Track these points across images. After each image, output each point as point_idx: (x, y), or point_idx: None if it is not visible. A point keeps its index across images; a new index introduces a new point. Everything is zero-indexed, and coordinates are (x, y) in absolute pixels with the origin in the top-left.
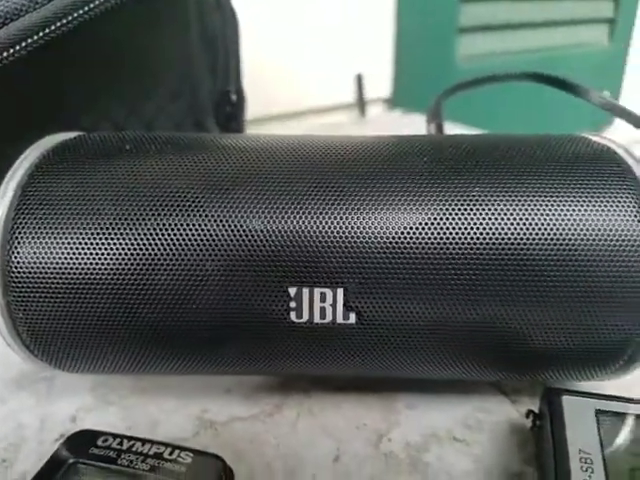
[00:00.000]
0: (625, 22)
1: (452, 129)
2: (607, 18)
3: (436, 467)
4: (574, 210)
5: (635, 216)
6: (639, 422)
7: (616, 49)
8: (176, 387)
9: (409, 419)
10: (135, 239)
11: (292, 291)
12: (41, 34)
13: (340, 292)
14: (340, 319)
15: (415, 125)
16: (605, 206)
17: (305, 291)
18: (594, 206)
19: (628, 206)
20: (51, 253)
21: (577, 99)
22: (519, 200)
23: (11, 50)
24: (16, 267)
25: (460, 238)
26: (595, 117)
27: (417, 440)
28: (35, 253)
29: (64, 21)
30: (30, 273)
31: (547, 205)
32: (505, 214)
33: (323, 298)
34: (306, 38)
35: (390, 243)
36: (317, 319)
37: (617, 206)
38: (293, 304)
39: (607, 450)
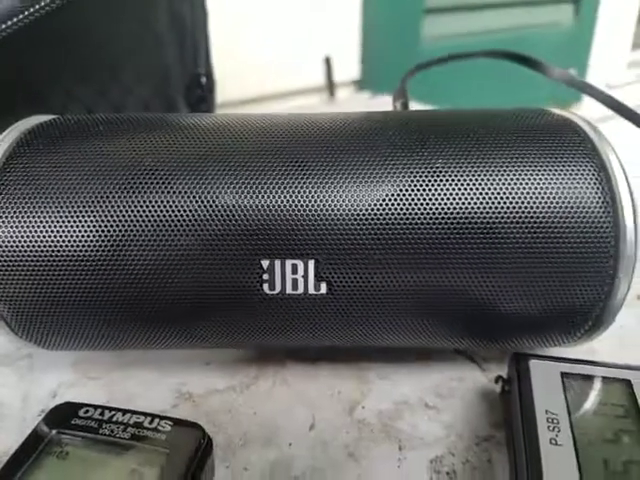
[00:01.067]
0: (590, 1)
1: (418, 108)
2: None
3: (409, 433)
4: (535, 178)
5: (594, 184)
6: (605, 384)
7: (582, 28)
8: (155, 361)
9: (382, 388)
10: (111, 216)
11: (265, 264)
12: (9, 22)
13: (311, 264)
14: (312, 290)
15: (383, 106)
16: (565, 174)
17: (277, 263)
18: (555, 174)
19: (587, 174)
20: (29, 232)
21: (543, 79)
22: (481, 170)
23: None
24: None
25: (425, 209)
26: (562, 96)
27: (390, 408)
28: (13, 232)
29: (32, 10)
30: (9, 252)
31: (509, 174)
32: (468, 184)
33: (295, 270)
34: (275, 23)
35: (358, 216)
36: (289, 290)
37: (577, 174)
38: (266, 276)
39: (573, 410)
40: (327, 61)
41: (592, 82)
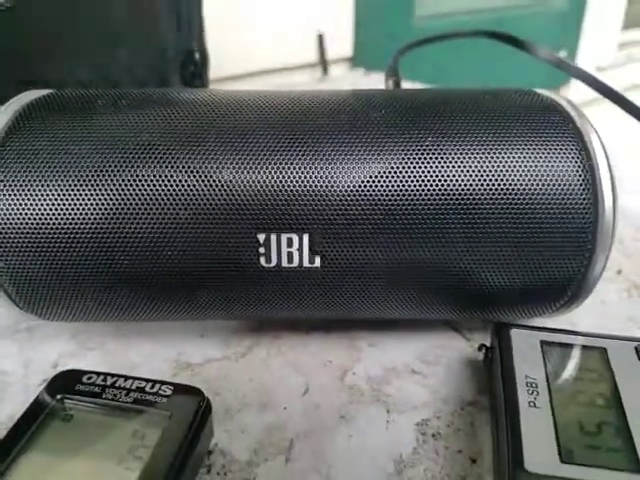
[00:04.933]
0: None
1: (410, 86)
2: None
3: (396, 397)
4: (518, 156)
5: (575, 162)
6: (583, 351)
7: (572, 8)
8: (153, 333)
9: (371, 355)
10: (111, 190)
11: (261, 237)
12: None
13: (306, 237)
14: (306, 263)
15: (376, 83)
16: (548, 152)
17: (273, 237)
18: (537, 152)
19: (569, 153)
20: (30, 205)
21: (533, 60)
22: (468, 148)
23: None
24: None
25: (415, 186)
26: (551, 77)
27: (379, 374)
28: (14, 205)
29: None
30: (10, 225)
31: (493, 152)
32: (455, 162)
33: (290, 243)
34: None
35: (351, 191)
36: (285, 263)
37: (558, 152)
38: (262, 250)
39: (551, 375)
40: (320, 38)
41: (582, 63)
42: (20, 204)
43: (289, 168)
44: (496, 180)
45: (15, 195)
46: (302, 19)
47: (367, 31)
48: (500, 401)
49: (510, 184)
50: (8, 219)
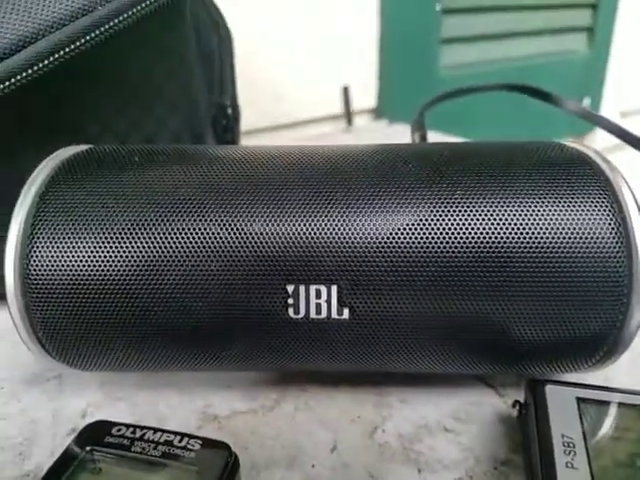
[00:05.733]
0: (604, 30)
1: (435, 138)
2: (586, 27)
3: (428, 456)
4: (550, 210)
5: (607, 215)
6: (621, 409)
7: (596, 57)
8: (180, 383)
9: (401, 412)
10: (146, 243)
11: (290, 288)
12: (51, 58)
13: (334, 289)
14: (335, 314)
15: (400, 134)
16: (579, 206)
17: (302, 288)
18: (569, 206)
19: (601, 205)
20: (67, 257)
21: (557, 109)
22: (497, 201)
23: (29, 71)
24: (34, 270)
25: (445, 238)
26: (576, 125)
27: (409, 431)
28: (52, 257)
29: (72, 46)
30: (47, 276)
31: (524, 206)
32: (485, 215)
33: (319, 295)
34: (294, 54)
35: (380, 244)
36: (313, 315)
37: (590, 206)
38: (291, 300)
39: (589, 434)
40: (345, 90)
41: (606, 110)
42: (57, 256)
43: (317, 220)
44: (527, 234)
45: (52, 248)
46: (328, 72)
47: (391, 82)
48: (536, 461)
49: (541, 238)
50: (45, 271)
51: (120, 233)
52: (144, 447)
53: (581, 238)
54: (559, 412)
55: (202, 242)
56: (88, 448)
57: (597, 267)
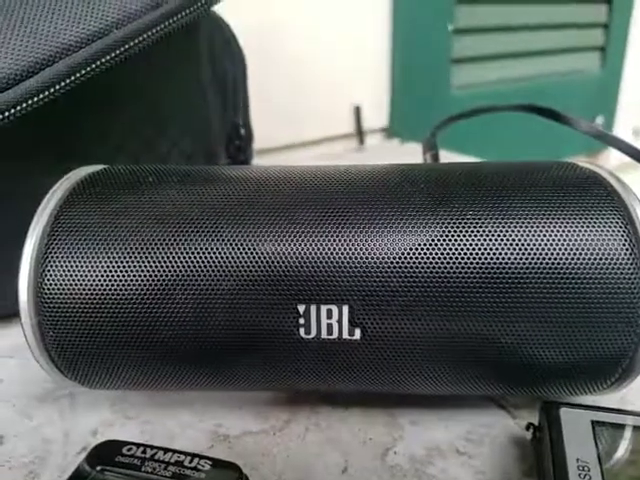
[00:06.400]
0: (616, 49)
1: (447, 157)
2: (598, 46)
3: (440, 478)
4: (563, 232)
5: (622, 236)
6: (636, 432)
7: (608, 76)
8: (191, 403)
9: (413, 434)
10: (158, 263)
11: (301, 308)
12: (68, 81)
13: (346, 309)
14: (346, 335)
15: (412, 153)
16: (593, 227)
17: (313, 308)
18: (582, 227)
19: (615, 227)
20: (80, 276)
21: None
22: (510, 222)
23: (46, 92)
24: (48, 289)
25: (456, 258)
26: (588, 145)
27: (421, 453)
28: (65, 276)
29: (88, 69)
30: (61, 295)
31: (536, 227)
32: (498, 235)
33: (330, 315)
34: (306, 73)
35: (391, 263)
36: (324, 335)
37: (605, 227)
38: (302, 320)
39: (604, 458)
40: (357, 110)
41: (619, 128)
42: (71, 276)
43: (329, 240)
44: (540, 255)
45: (66, 267)
46: (340, 91)
47: (403, 102)
48: None
49: (554, 259)
50: (59, 290)
51: (133, 253)
52: (154, 467)
53: (595, 259)
54: (574, 435)
55: (214, 262)
56: (99, 468)
57: (611, 289)
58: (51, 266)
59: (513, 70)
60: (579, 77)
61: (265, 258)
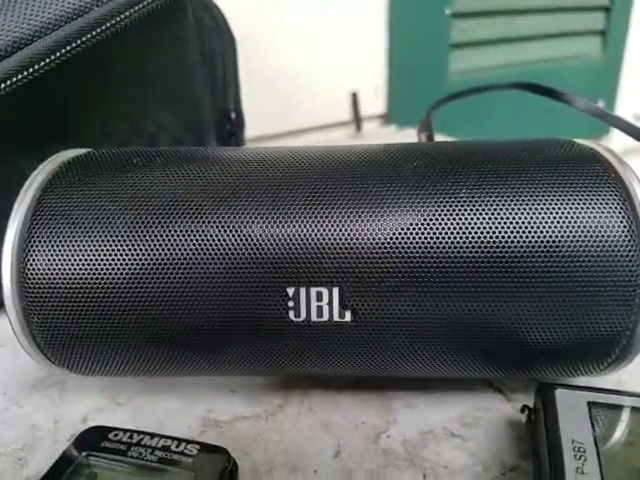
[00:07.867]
0: (617, 33)
1: (443, 139)
2: (599, 30)
3: (434, 462)
4: (559, 209)
5: (619, 213)
6: (634, 413)
7: (609, 60)
8: (182, 388)
9: (406, 417)
10: (144, 245)
11: (290, 291)
12: (47, 60)
13: (336, 291)
14: (336, 317)
15: (409, 139)
16: (589, 204)
17: (302, 291)
18: (578, 204)
19: (612, 203)
20: (64, 260)
21: (571, 111)
22: (505, 200)
23: (24, 73)
24: (31, 274)
25: (450, 239)
26: (589, 129)
27: (415, 437)
28: (49, 261)
29: (68, 48)
30: (44, 280)
31: (532, 204)
32: (492, 214)
33: (320, 297)
34: (302, 60)
35: (382, 245)
36: (314, 317)
37: (601, 204)
38: (291, 303)
39: (600, 439)
40: (354, 96)
41: (620, 113)
42: (54, 260)
43: (318, 221)
44: (535, 232)
45: (50, 251)
46: (336, 78)
47: (400, 88)
48: (545, 467)
49: (549, 236)
50: (43, 275)
51: (118, 236)
52: (141, 452)
53: (592, 237)
54: (569, 417)
55: (201, 244)
56: (84, 453)
57: (608, 267)
58: (34, 250)
59: (512, 55)
60: (580, 62)
61: (252, 240)
